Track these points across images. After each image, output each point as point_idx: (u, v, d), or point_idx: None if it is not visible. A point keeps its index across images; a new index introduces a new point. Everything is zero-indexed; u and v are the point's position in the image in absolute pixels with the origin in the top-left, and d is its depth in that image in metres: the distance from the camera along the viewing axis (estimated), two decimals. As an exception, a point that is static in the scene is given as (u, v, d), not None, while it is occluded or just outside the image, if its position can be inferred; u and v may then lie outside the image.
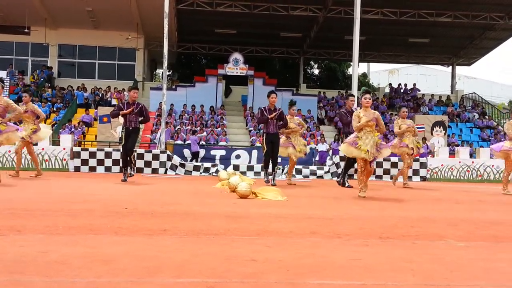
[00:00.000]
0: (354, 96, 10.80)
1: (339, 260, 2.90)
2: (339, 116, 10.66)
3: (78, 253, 2.89)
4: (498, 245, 3.59)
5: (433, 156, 17.35)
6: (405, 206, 6.62)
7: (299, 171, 14.98)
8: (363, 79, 37.77)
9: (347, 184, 9.93)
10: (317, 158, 18.39)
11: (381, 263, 2.84)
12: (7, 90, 23.59)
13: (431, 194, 9.33)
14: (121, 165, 10.88)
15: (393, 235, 3.90)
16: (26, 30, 25.75)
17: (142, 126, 14.87)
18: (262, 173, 14.90)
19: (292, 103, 10.73)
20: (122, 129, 10.10)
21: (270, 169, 10.14)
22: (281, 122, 10.08)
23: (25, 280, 2.28)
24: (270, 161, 10.06)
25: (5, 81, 23.13)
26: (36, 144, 12.92)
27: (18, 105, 9.43)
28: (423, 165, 15.16)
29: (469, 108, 29.27)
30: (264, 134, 10.09)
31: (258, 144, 20.21)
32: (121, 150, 10.31)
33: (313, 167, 15.48)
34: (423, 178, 15.00)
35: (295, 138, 10.49)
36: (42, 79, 26.34)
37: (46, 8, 24.91)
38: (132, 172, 10.13)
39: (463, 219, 5.10)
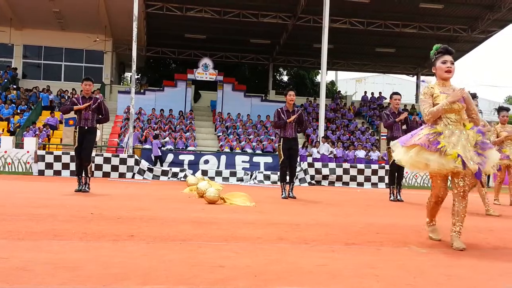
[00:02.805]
0: (399, 95, 9.05)
1: (306, 265, 2.93)
2: (381, 117, 9.21)
3: (42, 259, 2.83)
4: (459, 252, 3.69)
5: (398, 164, 17.63)
6: (370, 212, 6.72)
7: (267, 177, 15.03)
8: (331, 87, 38.29)
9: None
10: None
11: (347, 269, 2.89)
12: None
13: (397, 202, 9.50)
14: (76, 172, 8.47)
15: (358, 241, 3.97)
16: (-11, 30, 25.16)
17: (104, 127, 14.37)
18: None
19: (502, 109, 8.77)
20: (75, 128, 8.27)
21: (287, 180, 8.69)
22: (299, 127, 8.73)
23: (-14, 287, 2.22)
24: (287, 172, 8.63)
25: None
26: None
27: None
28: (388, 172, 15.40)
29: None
30: (281, 139, 8.60)
31: (226, 150, 20.18)
32: (75, 155, 8.37)
33: (281, 173, 15.51)
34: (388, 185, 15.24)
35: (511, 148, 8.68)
36: (6, 80, 25.70)
37: (12, 8, 24.35)
38: (87, 189, 8.18)
39: (426, 225, 5.21)
